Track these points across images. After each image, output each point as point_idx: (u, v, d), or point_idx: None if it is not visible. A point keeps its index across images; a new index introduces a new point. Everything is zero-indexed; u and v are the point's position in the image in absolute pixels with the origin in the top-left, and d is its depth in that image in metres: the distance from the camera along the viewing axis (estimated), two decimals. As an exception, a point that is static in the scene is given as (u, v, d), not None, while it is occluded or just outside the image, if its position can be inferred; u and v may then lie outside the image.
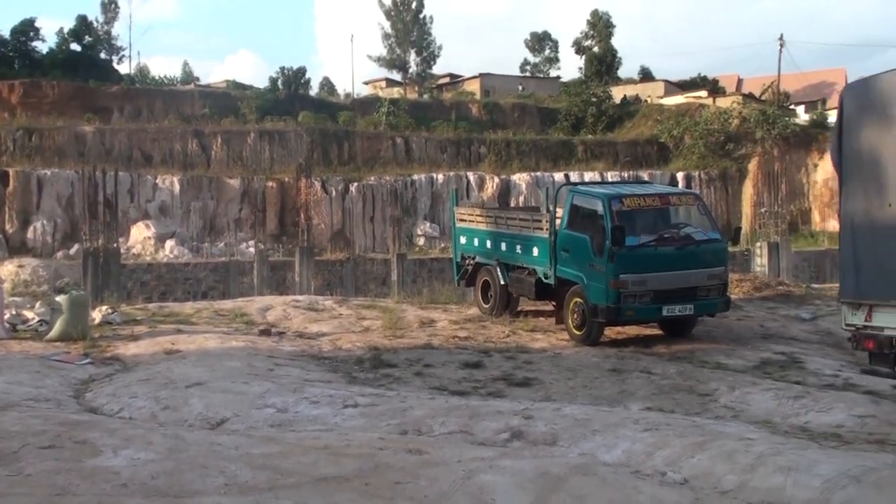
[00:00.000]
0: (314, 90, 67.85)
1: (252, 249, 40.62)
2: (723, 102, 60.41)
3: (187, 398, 10.06)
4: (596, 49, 73.75)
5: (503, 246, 16.73)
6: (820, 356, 13.92)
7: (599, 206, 14.11)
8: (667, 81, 70.80)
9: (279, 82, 62.76)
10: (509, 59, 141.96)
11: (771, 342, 14.79)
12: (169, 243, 43.67)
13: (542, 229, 15.45)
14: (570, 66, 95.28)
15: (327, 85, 77.05)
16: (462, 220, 18.38)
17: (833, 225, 52.67)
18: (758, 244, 34.19)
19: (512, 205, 45.49)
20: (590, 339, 14.11)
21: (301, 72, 64.26)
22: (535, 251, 15.61)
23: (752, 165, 55.38)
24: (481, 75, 69.53)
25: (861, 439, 8.88)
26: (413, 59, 68.38)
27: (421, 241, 48.01)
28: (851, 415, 9.81)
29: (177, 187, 46.09)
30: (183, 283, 35.96)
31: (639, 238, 13.84)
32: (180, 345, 13.43)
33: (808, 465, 7.50)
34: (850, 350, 14.67)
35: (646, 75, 77.54)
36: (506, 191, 51.15)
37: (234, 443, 7.90)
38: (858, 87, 10.87)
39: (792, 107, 62.82)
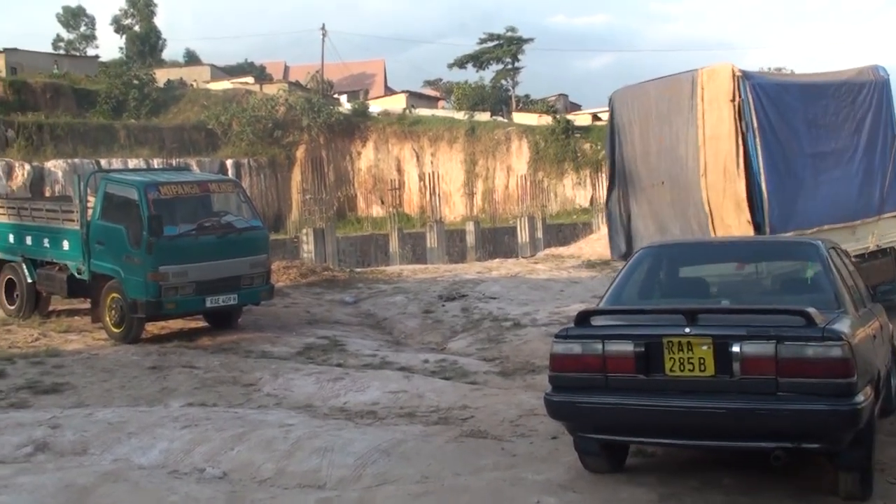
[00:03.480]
0: None
1: None
2: (269, 89, 61.60)
3: None
4: (137, 28, 71.19)
5: (28, 240, 15.50)
6: (360, 338, 14.74)
7: (135, 195, 13.62)
8: (213, 66, 70.50)
9: None
10: (40, 34, 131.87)
11: (316, 327, 15.35)
12: None
13: (72, 221, 14.55)
14: (109, 46, 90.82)
15: None
16: (-21, 213, 16.69)
17: (377, 211, 56.38)
18: (304, 231, 35.37)
19: (47, 194, 42.35)
20: (130, 337, 13.58)
21: None
22: (66, 245, 14.66)
23: (300, 153, 57.25)
24: (6, 50, 63.63)
25: (394, 414, 9.56)
26: (-81, 27, 60.79)
27: (-65, 238, 42.91)
28: (386, 392, 10.51)
29: None
30: None
31: (178, 227, 13.60)
32: None
33: (343, 444, 7.89)
34: (387, 330, 15.83)
35: (192, 58, 76.53)
36: (39, 179, 47.50)
37: None
38: (623, 94, 13.00)
39: (336, 95, 65.88)
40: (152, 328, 14.51)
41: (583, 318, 6.57)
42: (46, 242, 15.15)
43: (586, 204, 53.46)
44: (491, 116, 61.67)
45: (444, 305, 17.26)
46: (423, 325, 15.89)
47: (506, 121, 61.49)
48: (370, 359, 12.76)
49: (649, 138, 12.65)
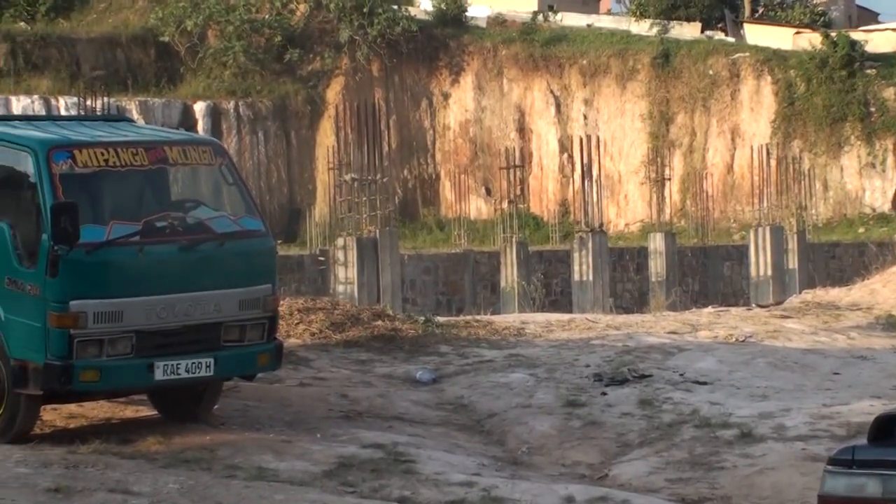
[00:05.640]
0: None
1: None
2: (279, -28, 62.39)
3: None
4: None
5: None
6: (444, 449, 14.80)
7: (27, 165, 13.90)
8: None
9: None
10: None
11: (360, 426, 15.47)
12: None
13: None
14: None
15: None
16: None
17: (477, 207, 56.42)
18: (340, 242, 35.63)
19: None
20: (13, 431, 13.85)
21: None
22: None
23: (334, 93, 57.73)
24: None
25: None
26: None
27: None
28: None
29: None
30: None
31: (107, 229, 13.82)
32: None
33: None
34: (495, 436, 15.85)
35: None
36: None
37: None
38: None
39: (406, -14, 66.41)
40: (53, 416, 14.74)
41: (884, 429, 6.50)
42: None
43: (886, 206, 52.87)
44: (702, 32, 61.42)
45: (605, 393, 17.22)
46: (563, 431, 15.88)
47: (731, 40, 61.20)
48: (462, 491, 12.79)
49: None
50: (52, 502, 11.81)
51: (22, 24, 58.11)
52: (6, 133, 14.80)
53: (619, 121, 57.86)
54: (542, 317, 25.62)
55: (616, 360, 18.96)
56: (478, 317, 25.56)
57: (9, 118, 19.53)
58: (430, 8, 61.67)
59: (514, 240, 40.20)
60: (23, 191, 13.96)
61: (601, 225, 42.74)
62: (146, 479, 12.64)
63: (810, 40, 57.66)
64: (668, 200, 54.32)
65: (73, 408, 15.02)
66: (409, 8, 61.28)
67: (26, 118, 20.95)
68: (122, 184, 14.35)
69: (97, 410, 15.23)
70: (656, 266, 40.94)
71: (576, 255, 38.76)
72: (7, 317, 13.76)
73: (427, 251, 44.27)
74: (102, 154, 14.21)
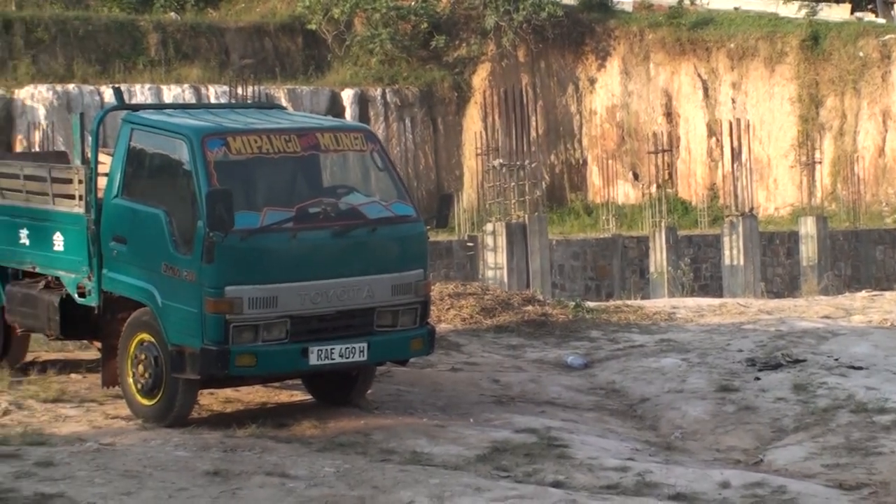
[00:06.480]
0: None
1: None
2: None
3: None
4: None
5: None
6: (597, 434, 14.76)
7: (183, 152, 14.01)
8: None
9: None
10: None
11: (512, 410, 15.49)
12: None
13: (70, 197, 15.14)
14: None
15: None
16: None
17: (625, 192, 56.18)
18: (489, 227, 35.67)
19: (21, 148, 44.40)
20: (172, 416, 14.01)
21: None
22: (59, 241, 15.27)
23: (480, 79, 57.74)
24: None
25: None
26: None
27: None
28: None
29: None
30: None
31: (261, 215, 13.92)
32: None
33: None
34: (648, 421, 15.78)
35: None
36: (6, 119, 49.82)
37: None
38: None
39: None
40: (210, 400, 14.97)
41: None
42: (23, 237, 15.78)
43: None
44: (852, 13, 60.57)
45: (758, 378, 17.10)
46: (717, 416, 15.79)
47: (881, 21, 60.28)
48: (617, 476, 12.75)
49: None
50: (210, 485, 11.96)
51: (172, 14, 58.81)
52: (161, 121, 15.00)
53: (768, 104, 57.26)
54: (692, 301, 25.53)
55: (769, 345, 18.82)
56: (628, 302, 25.55)
57: (163, 107, 19.77)
58: (576, -6, 61.51)
59: (662, 224, 40.07)
60: (178, 178, 14.13)
61: (751, 209, 42.47)
62: (302, 462, 12.77)
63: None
64: (818, 184, 53.73)
65: (229, 392, 15.26)
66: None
67: (180, 106, 21.17)
68: (275, 170, 14.47)
69: (253, 395, 15.44)
70: (807, 250, 40.58)
71: (726, 239, 38.55)
72: (164, 302, 13.94)
73: (575, 236, 44.20)
74: (256, 141, 14.32)
